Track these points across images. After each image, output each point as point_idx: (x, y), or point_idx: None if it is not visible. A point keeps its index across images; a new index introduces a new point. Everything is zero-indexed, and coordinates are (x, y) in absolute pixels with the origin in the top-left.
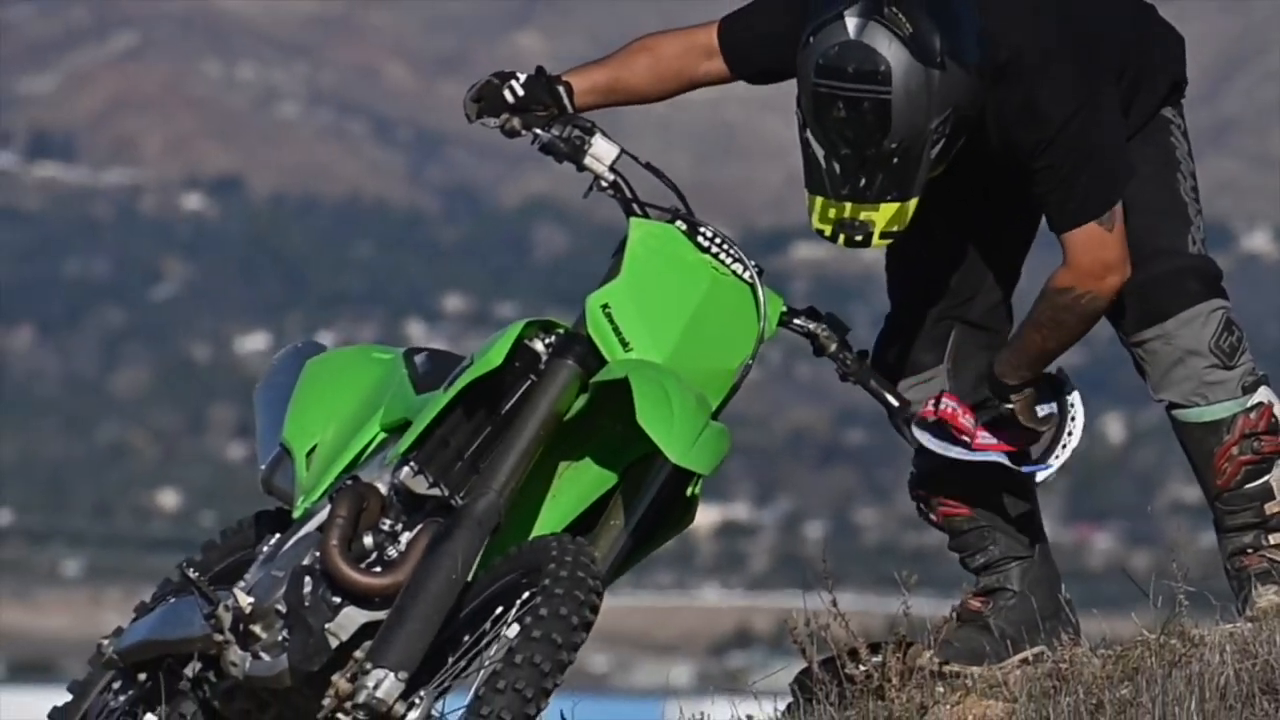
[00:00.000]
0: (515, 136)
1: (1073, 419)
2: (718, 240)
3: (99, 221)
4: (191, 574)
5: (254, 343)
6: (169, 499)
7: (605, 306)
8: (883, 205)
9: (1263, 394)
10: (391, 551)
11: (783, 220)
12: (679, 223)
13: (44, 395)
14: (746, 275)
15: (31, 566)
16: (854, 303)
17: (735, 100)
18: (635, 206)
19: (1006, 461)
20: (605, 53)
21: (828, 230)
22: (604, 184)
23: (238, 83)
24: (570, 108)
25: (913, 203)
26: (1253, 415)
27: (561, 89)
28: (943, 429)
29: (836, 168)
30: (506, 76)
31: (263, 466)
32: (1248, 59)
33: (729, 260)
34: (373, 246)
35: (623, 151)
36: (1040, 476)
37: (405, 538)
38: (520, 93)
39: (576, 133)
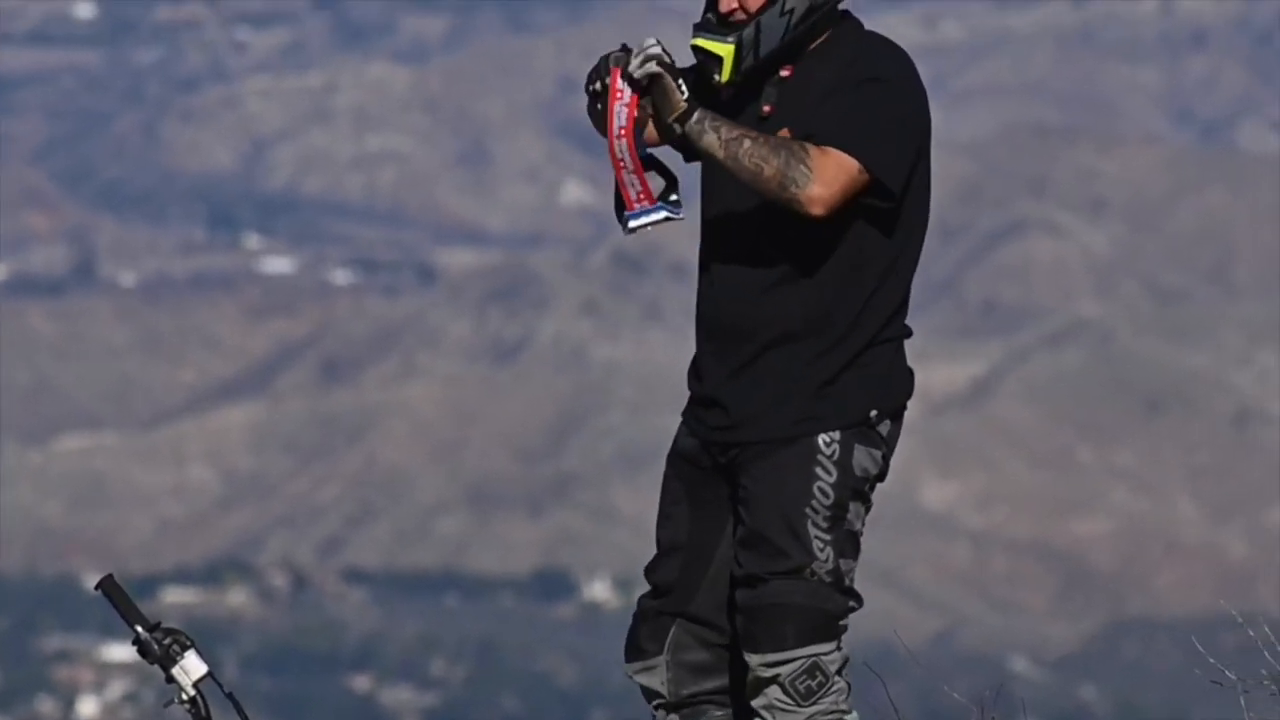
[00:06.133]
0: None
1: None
2: None
3: None
4: None
5: None
6: None
7: None
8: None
9: None
10: None
11: (153, 565)
12: None
13: None
14: None
15: None
16: (222, 645)
17: (106, 451)
18: None
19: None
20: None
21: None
22: (184, 697)
23: None
24: None
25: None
26: None
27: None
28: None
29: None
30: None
31: None
32: (586, 417)
33: None
34: None
35: (210, 674)
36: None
37: None
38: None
39: (174, 644)
